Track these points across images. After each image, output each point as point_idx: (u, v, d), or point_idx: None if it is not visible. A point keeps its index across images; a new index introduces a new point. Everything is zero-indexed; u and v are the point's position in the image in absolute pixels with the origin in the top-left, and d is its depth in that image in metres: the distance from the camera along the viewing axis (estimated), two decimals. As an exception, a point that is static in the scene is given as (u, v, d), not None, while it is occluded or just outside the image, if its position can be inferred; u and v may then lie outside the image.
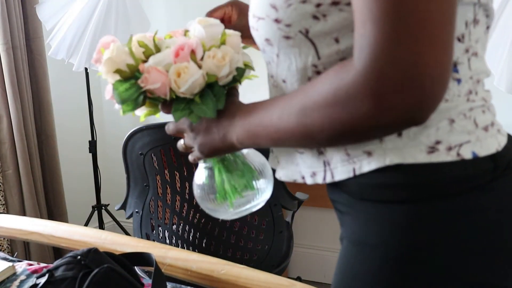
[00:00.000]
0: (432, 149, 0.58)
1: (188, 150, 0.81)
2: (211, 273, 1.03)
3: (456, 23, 0.52)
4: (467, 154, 0.58)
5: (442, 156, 0.58)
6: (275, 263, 1.57)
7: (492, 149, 0.60)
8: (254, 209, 0.81)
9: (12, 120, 2.51)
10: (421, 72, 0.48)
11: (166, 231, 1.56)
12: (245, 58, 0.77)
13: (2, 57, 2.46)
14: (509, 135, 0.67)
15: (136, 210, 1.55)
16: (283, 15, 0.61)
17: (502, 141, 0.63)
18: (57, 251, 2.74)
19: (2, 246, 2.55)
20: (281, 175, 0.74)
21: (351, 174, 0.62)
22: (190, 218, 1.52)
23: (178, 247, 1.54)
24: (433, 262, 0.58)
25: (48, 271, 0.88)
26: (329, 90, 0.54)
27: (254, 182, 0.79)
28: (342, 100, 0.52)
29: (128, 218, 1.59)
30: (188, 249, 1.54)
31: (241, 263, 1.05)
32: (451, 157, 0.58)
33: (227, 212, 0.80)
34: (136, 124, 1.51)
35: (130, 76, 0.72)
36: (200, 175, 0.83)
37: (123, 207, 1.59)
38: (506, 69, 1.62)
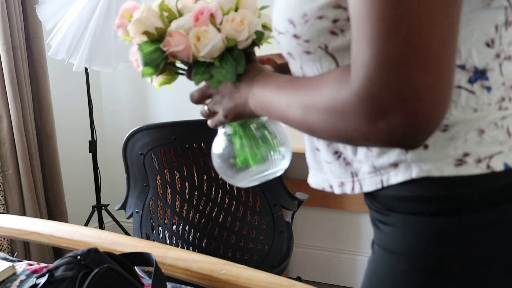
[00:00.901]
0: (460, 162, 0.56)
1: (211, 115, 0.81)
2: (211, 273, 1.03)
3: (457, 45, 0.51)
4: (498, 166, 0.56)
5: (471, 169, 0.56)
6: (275, 263, 1.57)
7: None
8: (272, 177, 0.82)
9: (12, 120, 2.51)
10: (413, 97, 0.47)
11: (166, 231, 1.56)
12: (264, 19, 0.77)
13: (2, 57, 2.46)
14: None
15: (136, 210, 1.55)
16: (301, 31, 0.60)
17: None
18: (57, 251, 2.74)
19: (2, 246, 2.55)
20: (312, 182, 0.75)
21: (379, 186, 0.62)
22: (190, 218, 1.52)
23: (178, 247, 1.54)
24: (461, 275, 0.58)
25: (48, 271, 0.88)
26: (328, 98, 0.55)
27: (273, 150, 0.81)
28: (338, 112, 0.53)
29: (128, 218, 1.59)
30: (188, 249, 1.54)
31: (241, 263, 1.05)
32: (480, 169, 0.56)
33: (246, 178, 0.80)
34: (136, 124, 1.51)
35: (157, 39, 0.72)
36: (220, 143, 0.83)
37: (123, 207, 1.59)
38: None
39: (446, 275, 0.58)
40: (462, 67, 0.57)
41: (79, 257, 0.88)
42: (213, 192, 1.51)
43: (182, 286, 1.16)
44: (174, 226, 1.55)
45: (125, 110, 3.29)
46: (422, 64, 0.47)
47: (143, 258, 1.00)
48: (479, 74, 0.54)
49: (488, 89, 0.58)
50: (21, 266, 1.27)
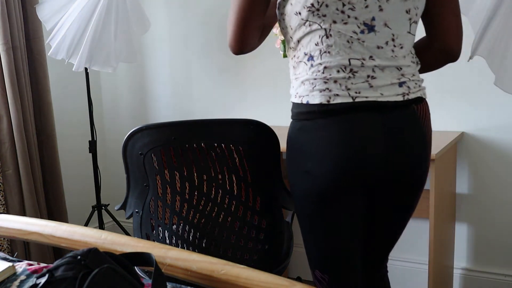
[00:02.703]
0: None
1: None
2: (211, 273, 1.03)
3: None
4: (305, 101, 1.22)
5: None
6: (275, 263, 1.57)
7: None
8: None
9: (12, 120, 2.51)
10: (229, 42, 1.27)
11: (166, 231, 1.56)
12: None
13: (2, 57, 2.45)
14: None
15: (136, 210, 1.55)
16: None
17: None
18: (57, 251, 2.74)
19: (2, 246, 2.55)
20: None
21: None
22: (190, 218, 1.52)
23: (178, 247, 1.54)
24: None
25: (48, 271, 0.88)
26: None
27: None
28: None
29: (128, 218, 1.59)
30: (188, 249, 1.54)
31: (241, 263, 1.05)
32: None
33: None
34: (136, 124, 1.51)
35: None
36: None
37: (123, 207, 1.59)
38: (506, 69, 1.62)
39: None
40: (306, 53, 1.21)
41: (79, 257, 0.88)
42: (213, 192, 1.51)
43: (182, 286, 1.16)
44: (174, 226, 1.55)
45: (125, 110, 3.29)
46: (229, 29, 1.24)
47: (143, 258, 1.00)
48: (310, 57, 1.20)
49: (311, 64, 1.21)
50: (21, 266, 1.27)
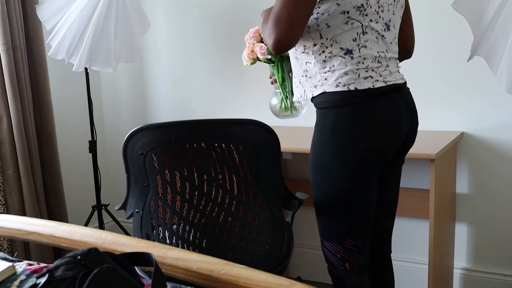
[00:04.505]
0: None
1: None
2: (211, 273, 1.03)
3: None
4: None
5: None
6: (275, 263, 1.57)
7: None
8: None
9: (12, 120, 2.51)
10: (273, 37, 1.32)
11: (166, 231, 1.56)
12: None
13: (2, 57, 2.45)
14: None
15: (136, 210, 1.55)
16: None
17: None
18: (57, 251, 2.74)
19: (2, 246, 2.55)
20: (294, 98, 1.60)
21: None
22: (190, 218, 1.52)
23: (178, 247, 1.54)
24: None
25: (48, 271, 0.88)
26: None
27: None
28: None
29: (128, 218, 1.59)
30: (188, 249, 1.54)
31: (241, 263, 1.05)
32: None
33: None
34: (136, 124, 1.51)
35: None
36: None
37: (123, 207, 1.59)
38: (506, 69, 1.62)
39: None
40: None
41: (79, 257, 0.88)
42: (213, 192, 1.51)
43: (182, 286, 1.16)
44: (174, 226, 1.55)
45: (125, 110, 3.29)
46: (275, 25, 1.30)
47: (143, 258, 1.00)
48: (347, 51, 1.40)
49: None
50: (21, 266, 1.27)
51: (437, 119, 2.39)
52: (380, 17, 1.40)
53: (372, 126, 1.39)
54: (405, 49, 1.62)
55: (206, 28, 2.92)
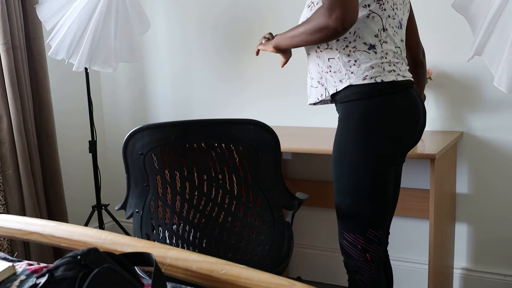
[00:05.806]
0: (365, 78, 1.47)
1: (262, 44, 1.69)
2: (211, 273, 1.02)
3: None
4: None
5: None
6: (275, 263, 1.57)
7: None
8: None
9: (12, 120, 2.51)
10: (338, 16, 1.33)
11: (166, 231, 1.56)
12: None
13: (2, 57, 2.45)
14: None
15: (136, 210, 1.55)
16: None
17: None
18: (57, 251, 2.74)
19: (2, 246, 2.55)
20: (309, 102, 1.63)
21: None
22: (190, 218, 1.52)
23: (178, 247, 1.54)
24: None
25: (48, 271, 0.88)
26: (313, 24, 1.39)
27: None
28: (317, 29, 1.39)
29: (128, 218, 1.59)
30: (188, 249, 1.54)
31: (241, 263, 1.05)
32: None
33: None
34: (136, 124, 1.51)
35: None
36: None
37: (123, 207, 1.59)
38: (506, 69, 1.62)
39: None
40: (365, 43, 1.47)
41: (79, 257, 0.88)
42: (213, 192, 1.51)
43: (182, 286, 1.16)
44: (174, 226, 1.55)
45: (125, 110, 3.29)
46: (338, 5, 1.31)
47: (143, 258, 1.00)
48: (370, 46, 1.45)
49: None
50: (21, 266, 1.27)
51: (437, 119, 2.39)
52: (395, 14, 1.50)
53: (399, 116, 1.46)
54: (415, 60, 1.74)
55: (206, 28, 2.92)
